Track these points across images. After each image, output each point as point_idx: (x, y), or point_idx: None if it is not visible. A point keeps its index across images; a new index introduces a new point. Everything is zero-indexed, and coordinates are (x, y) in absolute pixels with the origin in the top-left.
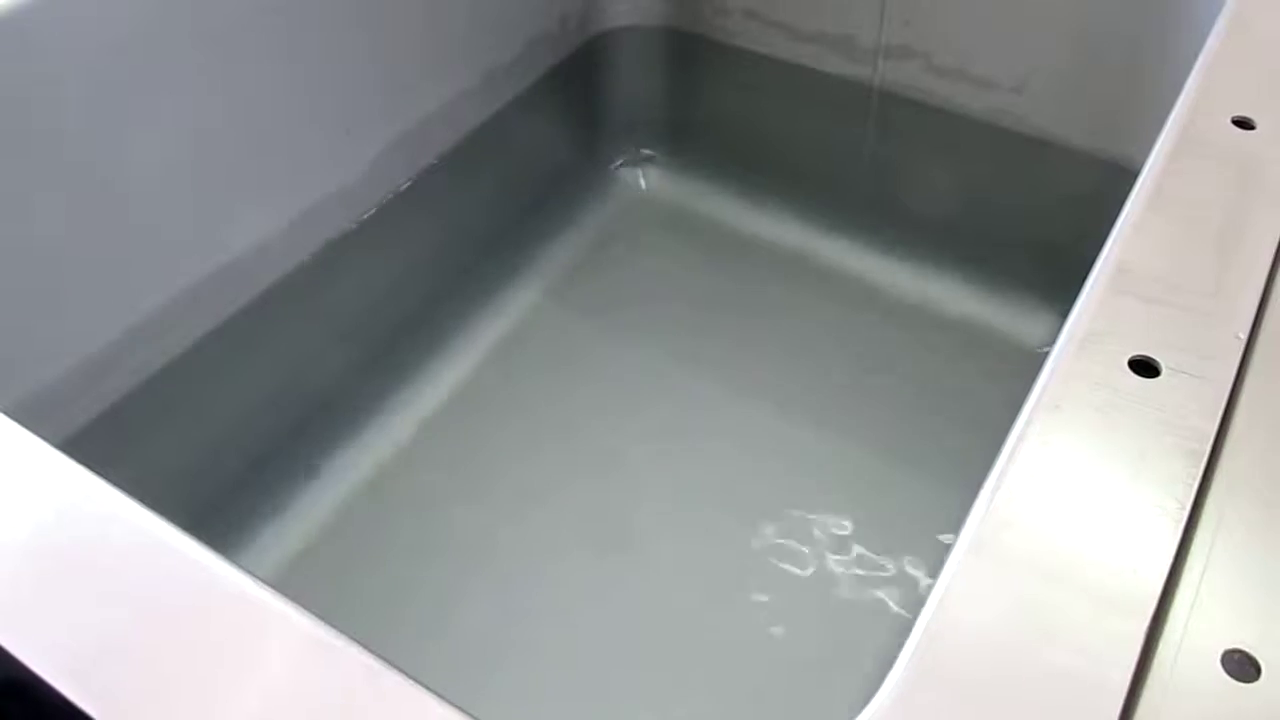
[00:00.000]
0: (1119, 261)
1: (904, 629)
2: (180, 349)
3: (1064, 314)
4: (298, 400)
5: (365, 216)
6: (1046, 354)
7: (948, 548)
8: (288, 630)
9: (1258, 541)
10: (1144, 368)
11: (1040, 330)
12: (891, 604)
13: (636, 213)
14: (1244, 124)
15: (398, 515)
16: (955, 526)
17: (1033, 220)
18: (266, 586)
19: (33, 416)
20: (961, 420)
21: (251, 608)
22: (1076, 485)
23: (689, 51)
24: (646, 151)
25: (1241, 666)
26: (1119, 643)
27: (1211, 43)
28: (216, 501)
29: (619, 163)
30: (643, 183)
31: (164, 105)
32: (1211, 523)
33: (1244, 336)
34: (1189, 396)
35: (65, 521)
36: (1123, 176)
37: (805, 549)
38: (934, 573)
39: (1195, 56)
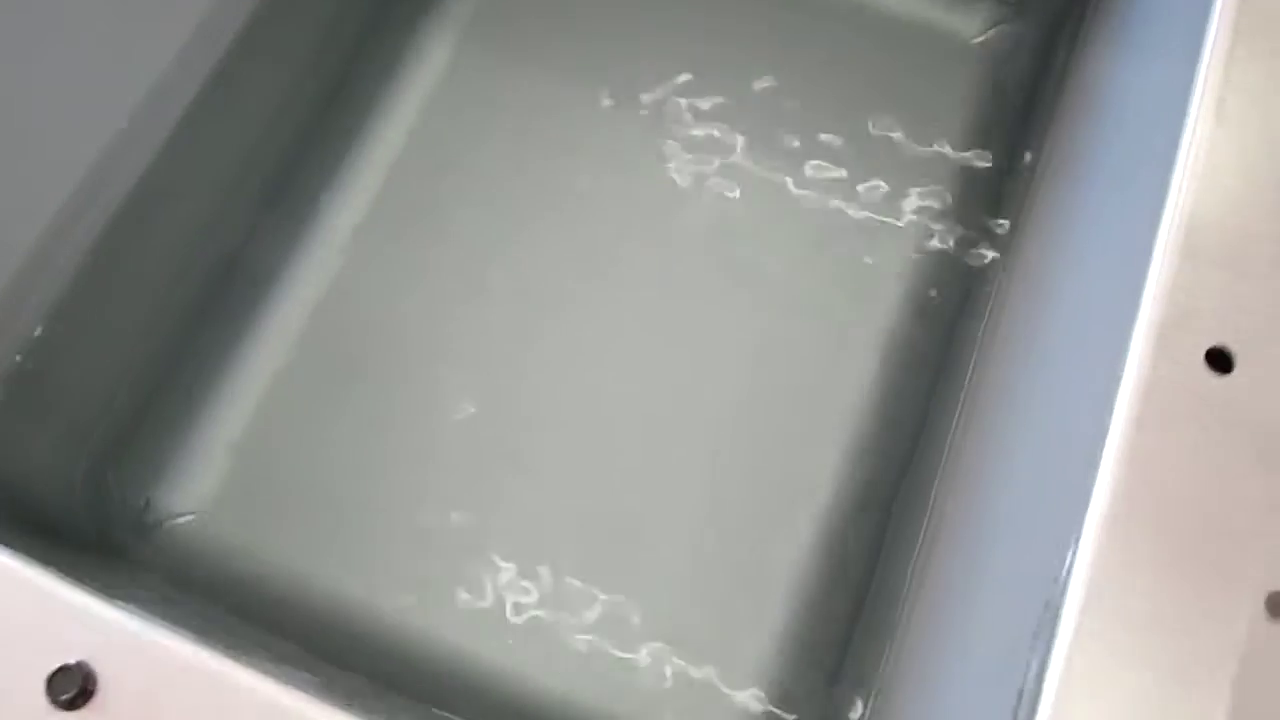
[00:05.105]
0: (1190, 214)
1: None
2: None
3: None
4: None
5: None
6: (981, 43)
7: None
8: None
9: None
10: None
11: (976, 21)
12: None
13: None
14: None
15: (372, 290)
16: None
17: None
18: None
19: None
20: (897, 108)
21: None
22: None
23: None
24: None
25: None
26: None
27: None
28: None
29: None
30: None
31: None
32: None
33: None
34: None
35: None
36: None
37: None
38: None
39: None
